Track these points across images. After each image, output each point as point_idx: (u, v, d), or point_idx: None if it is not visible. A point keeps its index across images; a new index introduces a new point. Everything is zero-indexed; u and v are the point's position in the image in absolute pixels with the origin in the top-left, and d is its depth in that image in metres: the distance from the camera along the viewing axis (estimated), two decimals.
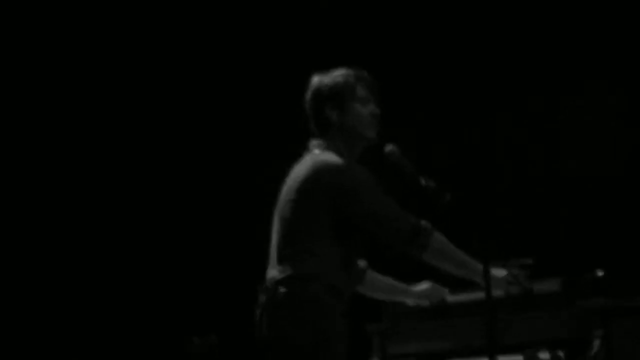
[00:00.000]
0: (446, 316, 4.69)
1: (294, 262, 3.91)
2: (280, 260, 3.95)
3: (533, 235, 6.32)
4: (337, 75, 4.15)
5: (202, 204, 7.27)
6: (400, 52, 6.68)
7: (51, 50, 6.99)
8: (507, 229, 6.25)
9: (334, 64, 4.21)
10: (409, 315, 4.82)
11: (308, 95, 4.17)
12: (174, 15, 7.20)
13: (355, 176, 3.97)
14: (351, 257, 4.03)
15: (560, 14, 6.41)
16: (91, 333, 6.97)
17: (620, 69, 6.29)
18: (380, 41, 6.67)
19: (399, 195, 4.04)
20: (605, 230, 6.10)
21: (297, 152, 4.16)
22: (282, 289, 3.89)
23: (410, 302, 4.53)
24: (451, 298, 4.57)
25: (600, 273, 4.47)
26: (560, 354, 4.28)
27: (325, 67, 4.20)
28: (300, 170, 4.03)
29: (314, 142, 4.13)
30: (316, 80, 4.17)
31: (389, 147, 4.16)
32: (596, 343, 4.31)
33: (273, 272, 3.96)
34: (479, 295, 4.17)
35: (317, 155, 4.05)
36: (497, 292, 4.19)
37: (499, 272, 4.18)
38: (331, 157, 4.00)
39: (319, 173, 3.96)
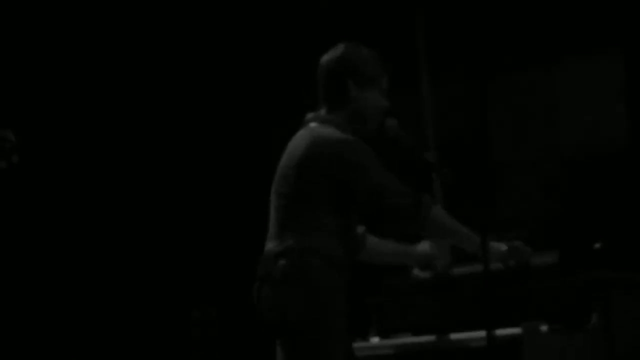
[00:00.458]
0: (444, 289, 4.70)
1: (293, 234, 3.92)
2: (279, 233, 3.96)
3: (531, 207, 6.31)
4: (372, 56, 4.11)
5: (202, 178, 7.28)
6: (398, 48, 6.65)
7: (50, 50, 6.98)
8: (506, 202, 6.25)
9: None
10: (407, 289, 4.83)
11: (333, 57, 4.11)
12: (173, 14, 7.19)
13: (356, 151, 3.96)
14: (350, 229, 4.03)
15: None
16: (91, 307, 6.98)
17: (619, 40, 6.27)
18: (379, 41, 6.63)
19: (397, 168, 4.04)
20: (604, 202, 6.10)
21: (295, 127, 4.16)
22: (281, 262, 3.90)
23: (412, 264, 4.53)
24: (450, 270, 4.58)
25: (598, 245, 4.47)
26: (559, 326, 4.29)
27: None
28: (298, 144, 4.02)
29: (310, 115, 4.12)
30: (350, 49, 4.11)
31: (389, 121, 4.16)
32: (595, 315, 4.32)
33: (272, 244, 3.97)
34: (477, 268, 4.17)
35: (315, 129, 4.04)
36: (496, 265, 4.21)
37: (497, 245, 4.20)
38: (332, 132, 4.00)
39: (319, 147, 3.95)
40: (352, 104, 4.08)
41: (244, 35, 7.24)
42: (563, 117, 6.47)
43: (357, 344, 4.80)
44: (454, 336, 4.46)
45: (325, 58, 4.14)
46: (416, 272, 4.59)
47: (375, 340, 4.85)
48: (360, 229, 4.28)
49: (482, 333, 3.85)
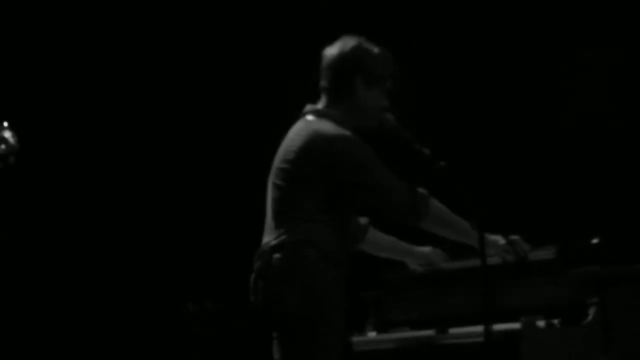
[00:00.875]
0: (442, 284, 4.70)
1: (289, 228, 3.91)
2: (276, 227, 3.96)
3: (528, 201, 6.32)
4: (383, 55, 4.09)
5: (197, 171, 7.27)
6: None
7: (50, 50, 6.97)
8: (502, 196, 6.25)
9: None
10: (405, 283, 4.83)
11: (343, 51, 4.07)
12: (173, 14, 7.18)
13: (353, 147, 3.96)
14: (347, 223, 4.03)
15: None
16: (86, 301, 6.97)
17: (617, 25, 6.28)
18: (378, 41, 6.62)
19: (395, 163, 4.04)
20: (601, 196, 6.10)
21: (292, 121, 4.15)
22: (277, 255, 3.90)
23: (410, 263, 4.54)
24: (447, 265, 4.58)
25: (595, 240, 4.48)
26: (556, 321, 4.29)
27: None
28: (295, 137, 4.01)
29: (308, 107, 4.11)
30: (362, 46, 4.08)
31: (386, 116, 4.15)
32: (592, 310, 4.32)
33: (268, 238, 3.97)
34: (475, 262, 4.17)
35: (313, 123, 4.03)
36: (493, 259, 4.21)
37: (495, 238, 4.20)
38: (330, 127, 3.99)
39: (317, 142, 3.94)
40: (355, 101, 4.06)
41: (244, 34, 7.23)
42: (560, 110, 6.48)
43: (355, 339, 4.80)
44: (452, 331, 4.47)
45: (334, 51, 4.09)
46: (414, 266, 4.59)
47: (373, 334, 4.85)
48: (364, 220, 4.27)
49: (480, 328, 3.84)
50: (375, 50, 4.09)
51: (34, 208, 6.91)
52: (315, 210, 3.91)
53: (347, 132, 3.99)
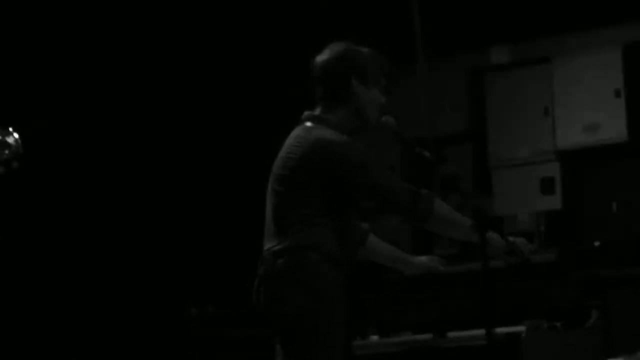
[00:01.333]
0: (444, 287, 4.70)
1: (292, 233, 3.90)
2: (277, 232, 3.95)
3: (529, 205, 6.31)
4: (375, 55, 4.10)
5: (198, 175, 7.27)
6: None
7: (50, 50, 6.96)
8: (503, 199, 6.24)
9: None
10: (406, 286, 4.83)
11: (332, 57, 4.06)
12: (173, 15, 7.18)
13: (353, 152, 3.95)
14: (348, 226, 4.03)
15: None
16: (89, 304, 6.97)
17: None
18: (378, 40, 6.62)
19: (396, 165, 4.03)
20: (603, 198, 6.09)
21: (292, 125, 4.14)
22: (280, 260, 3.89)
23: (407, 271, 4.54)
24: (448, 268, 4.58)
25: (597, 243, 4.48)
26: (558, 324, 4.29)
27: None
28: (295, 143, 4.00)
29: (306, 114, 4.11)
30: (351, 48, 4.07)
31: (387, 119, 4.15)
32: (594, 313, 4.32)
33: (270, 243, 3.96)
34: (476, 265, 4.17)
35: (312, 129, 4.02)
36: (495, 262, 4.20)
37: (498, 238, 4.18)
38: (328, 133, 3.98)
39: (317, 149, 3.93)
40: (353, 103, 4.06)
41: (244, 34, 7.23)
42: (561, 114, 6.47)
43: (357, 342, 4.80)
44: (454, 334, 4.47)
45: (323, 57, 4.10)
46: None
47: (374, 338, 4.85)
48: (365, 226, 4.27)
49: (482, 331, 3.83)
50: (364, 50, 4.10)
51: (36, 212, 6.91)
52: (315, 214, 3.91)
53: (345, 137, 3.98)
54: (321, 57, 4.09)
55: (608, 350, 4.29)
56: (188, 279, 7.05)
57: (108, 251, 7.03)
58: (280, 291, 3.86)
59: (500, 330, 4.10)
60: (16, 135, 3.83)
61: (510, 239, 4.19)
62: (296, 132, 4.04)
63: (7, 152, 3.79)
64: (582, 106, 6.41)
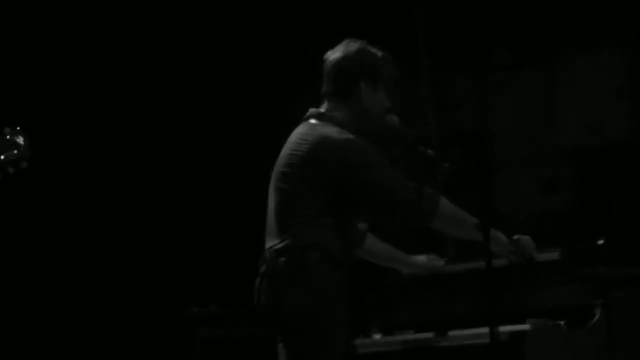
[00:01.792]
0: (446, 286, 4.69)
1: (294, 231, 3.91)
2: (279, 230, 3.95)
3: (533, 203, 6.31)
4: (386, 57, 4.10)
5: (201, 175, 7.27)
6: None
7: (50, 50, 6.97)
8: (507, 197, 6.24)
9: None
10: (409, 285, 4.82)
11: (346, 55, 4.07)
12: (173, 15, 7.18)
13: (358, 150, 3.95)
14: (350, 226, 4.03)
15: None
16: (90, 304, 6.97)
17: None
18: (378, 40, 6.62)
19: (400, 164, 4.03)
20: (606, 198, 6.09)
21: (293, 123, 4.14)
22: (281, 259, 3.89)
23: (406, 271, 4.54)
24: (452, 267, 4.57)
25: (601, 241, 4.47)
26: (562, 323, 4.28)
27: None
28: (299, 140, 4.00)
29: (311, 111, 4.11)
30: (365, 49, 4.08)
31: (390, 118, 4.15)
32: (597, 312, 4.31)
33: (272, 242, 3.96)
34: (480, 264, 4.16)
35: (316, 126, 4.02)
36: (499, 261, 4.20)
37: (502, 236, 4.17)
38: (333, 131, 3.98)
39: (321, 146, 3.94)
40: (359, 103, 4.06)
41: (245, 37, 7.23)
42: (563, 114, 6.47)
43: (359, 341, 4.79)
44: (457, 333, 4.46)
45: (337, 54, 4.09)
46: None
47: (377, 337, 4.84)
48: (362, 226, 4.27)
49: (485, 330, 3.83)
50: (379, 53, 4.10)
51: (37, 212, 6.91)
52: (319, 213, 3.91)
53: (350, 135, 3.98)
54: (334, 54, 4.08)
55: (612, 349, 4.28)
56: (189, 278, 7.05)
57: (109, 250, 7.03)
58: (282, 290, 3.87)
59: (504, 329, 4.09)
60: (25, 135, 3.86)
61: (515, 237, 4.19)
62: (300, 129, 4.04)
63: (16, 152, 3.81)
64: (583, 106, 6.40)
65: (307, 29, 6.83)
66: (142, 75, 7.21)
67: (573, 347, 4.27)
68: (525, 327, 4.25)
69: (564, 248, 4.50)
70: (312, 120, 4.06)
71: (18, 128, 3.87)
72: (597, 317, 4.30)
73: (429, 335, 4.57)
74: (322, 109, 4.09)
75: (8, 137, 3.83)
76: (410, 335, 4.69)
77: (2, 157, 3.80)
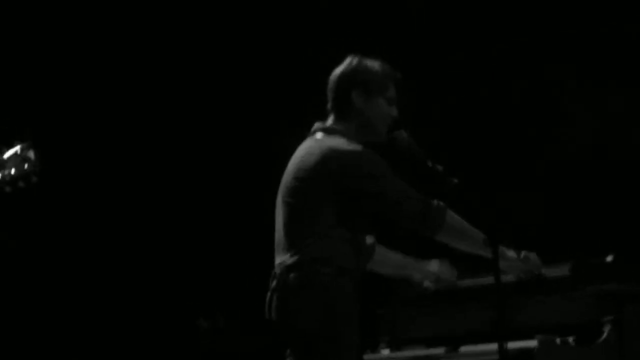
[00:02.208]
0: (456, 301, 4.68)
1: (303, 246, 3.90)
2: (289, 244, 3.94)
3: (542, 218, 6.29)
4: (377, 65, 4.13)
5: (209, 187, 7.27)
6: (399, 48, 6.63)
7: (50, 50, 6.97)
8: (516, 212, 6.22)
9: (334, 64, 4.19)
10: (419, 300, 4.81)
11: (340, 71, 4.13)
12: (174, 15, 7.18)
13: (366, 160, 3.96)
14: (359, 238, 4.02)
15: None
16: (98, 314, 6.97)
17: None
18: (379, 41, 6.63)
19: (407, 179, 4.03)
20: (616, 214, 6.07)
21: (300, 136, 4.15)
22: (293, 274, 3.89)
23: (418, 278, 4.52)
24: (461, 283, 4.56)
25: (610, 258, 4.45)
26: (571, 339, 4.26)
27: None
28: (306, 154, 4.01)
29: (317, 125, 4.12)
30: (355, 61, 4.13)
31: (398, 132, 4.15)
32: (607, 328, 4.30)
33: (282, 257, 3.95)
34: (489, 279, 4.15)
35: (322, 139, 4.04)
36: (508, 276, 4.19)
37: (510, 252, 4.17)
38: (340, 142, 3.99)
39: (329, 158, 3.94)
40: (359, 114, 4.08)
41: (244, 36, 7.21)
42: (571, 126, 6.46)
43: (368, 356, 4.78)
44: (466, 349, 4.44)
45: (336, 71, 4.17)
46: (427, 283, 4.57)
47: (386, 352, 4.83)
48: (370, 239, 4.27)
49: (494, 346, 3.82)
50: (370, 62, 4.13)
51: (45, 224, 6.91)
52: (328, 226, 3.91)
53: (358, 146, 3.99)
54: (334, 72, 4.14)
55: None
56: (198, 290, 7.05)
57: (118, 263, 7.03)
58: (293, 305, 3.86)
59: (513, 345, 4.08)
60: (33, 150, 3.86)
61: (523, 253, 4.18)
62: (307, 143, 4.05)
63: (26, 166, 3.82)
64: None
65: (308, 28, 6.83)
66: (150, 93, 7.21)
67: None
68: (534, 343, 4.23)
69: (573, 264, 4.48)
70: (319, 135, 4.07)
71: (29, 143, 3.88)
72: (606, 333, 4.29)
73: (437, 350, 4.56)
74: (328, 124, 4.11)
75: (19, 151, 3.85)
76: (418, 351, 4.67)
77: (13, 171, 3.81)
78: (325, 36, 6.63)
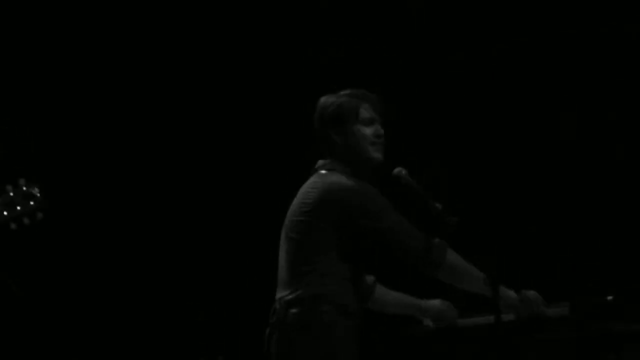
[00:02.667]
0: (456, 340, 4.66)
1: (304, 282, 3.91)
2: (291, 280, 3.95)
3: (542, 257, 6.28)
4: (341, 97, 4.17)
5: (210, 222, 7.25)
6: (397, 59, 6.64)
7: (51, 50, 6.98)
8: (515, 251, 6.21)
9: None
10: (419, 339, 4.79)
11: (315, 117, 4.20)
12: (175, 17, 7.19)
13: (367, 196, 3.98)
14: (360, 276, 4.03)
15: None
16: (98, 353, 6.94)
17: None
18: (379, 41, 6.64)
19: (407, 216, 4.03)
20: (615, 253, 6.06)
21: (305, 173, 4.16)
22: (292, 310, 3.89)
23: (420, 317, 4.51)
24: (461, 322, 4.54)
25: (610, 297, 4.44)
26: None
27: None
28: (310, 190, 4.03)
29: (320, 163, 4.15)
30: (321, 102, 4.20)
31: (397, 169, 4.16)
32: None
33: (283, 292, 3.96)
34: (489, 319, 4.14)
35: (324, 175, 4.07)
36: (508, 316, 4.17)
37: (509, 292, 4.16)
38: (340, 178, 4.02)
39: (328, 193, 3.96)
40: (345, 149, 4.12)
41: (244, 36, 7.20)
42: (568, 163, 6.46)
43: None
44: None
45: (314, 117, 4.22)
46: (427, 322, 4.56)
47: None
48: (370, 279, 4.27)
49: None
50: (331, 97, 4.18)
51: (48, 258, 6.90)
52: (329, 263, 3.92)
53: (359, 182, 4.01)
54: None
55: None
56: (198, 329, 7.02)
57: (117, 302, 7.01)
58: (292, 341, 3.86)
59: None
60: (38, 187, 3.87)
61: (523, 292, 4.17)
62: (311, 179, 4.08)
63: (32, 203, 3.82)
64: None
65: (308, 28, 6.84)
66: (152, 91, 7.19)
67: None
68: None
69: (574, 303, 4.47)
70: (322, 171, 4.11)
71: (34, 180, 3.89)
72: None
73: None
74: (328, 161, 4.14)
75: (24, 188, 3.85)
76: None
77: (18, 208, 3.82)
78: (325, 36, 6.63)
